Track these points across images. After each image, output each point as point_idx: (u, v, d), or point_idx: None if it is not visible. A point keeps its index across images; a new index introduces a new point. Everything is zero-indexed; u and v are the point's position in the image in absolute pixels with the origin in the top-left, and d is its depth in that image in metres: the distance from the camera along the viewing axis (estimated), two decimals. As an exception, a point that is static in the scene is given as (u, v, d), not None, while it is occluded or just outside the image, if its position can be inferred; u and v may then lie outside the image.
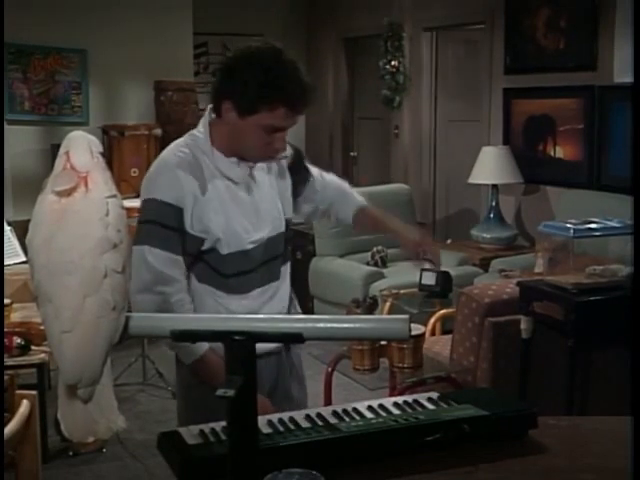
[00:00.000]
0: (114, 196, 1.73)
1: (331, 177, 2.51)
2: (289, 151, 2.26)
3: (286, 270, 2.30)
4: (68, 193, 1.69)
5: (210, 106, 2.14)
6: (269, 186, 2.21)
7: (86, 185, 1.69)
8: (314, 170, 2.44)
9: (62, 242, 1.64)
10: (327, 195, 2.45)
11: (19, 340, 3.75)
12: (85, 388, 1.58)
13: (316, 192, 2.43)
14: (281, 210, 2.23)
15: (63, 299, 1.60)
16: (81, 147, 1.81)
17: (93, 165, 1.77)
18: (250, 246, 2.15)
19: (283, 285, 2.27)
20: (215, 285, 2.16)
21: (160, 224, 2.05)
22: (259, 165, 2.18)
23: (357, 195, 2.53)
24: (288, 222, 2.27)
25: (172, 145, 2.16)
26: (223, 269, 2.14)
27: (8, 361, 3.55)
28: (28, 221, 1.81)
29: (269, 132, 2.04)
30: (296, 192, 2.35)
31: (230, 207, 2.12)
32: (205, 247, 2.11)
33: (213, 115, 2.12)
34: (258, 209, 2.17)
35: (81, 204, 1.68)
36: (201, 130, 2.15)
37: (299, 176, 2.35)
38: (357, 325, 1.65)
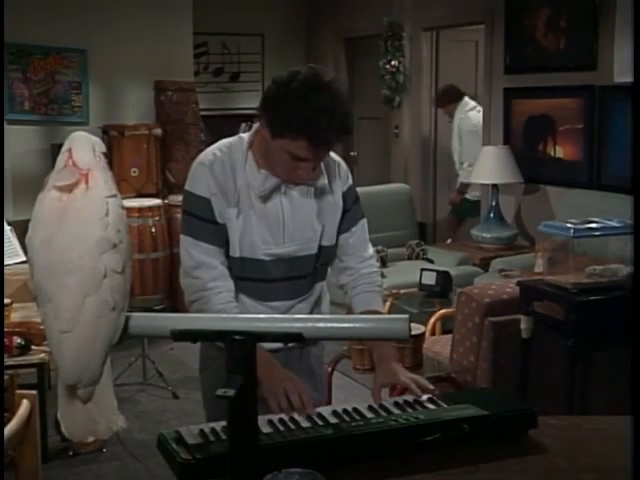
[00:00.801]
0: (114, 196, 1.73)
1: (362, 251, 2.33)
2: (324, 180, 2.20)
3: (316, 289, 2.29)
4: (69, 189, 1.69)
5: None
6: (305, 207, 2.19)
7: (87, 182, 1.70)
8: (357, 227, 2.31)
9: (62, 242, 1.64)
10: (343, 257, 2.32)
11: (19, 340, 3.75)
12: (85, 388, 1.58)
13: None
14: (317, 233, 2.21)
15: (63, 299, 1.60)
16: (84, 145, 1.82)
17: (95, 163, 1.78)
18: (266, 258, 2.16)
19: (306, 302, 2.26)
20: (235, 283, 2.19)
21: (193, 215, 2.15)
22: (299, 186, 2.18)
23: (377, 290, 2.33)
24: (324, 247, 2.23)
25: (219, 142, 2.22)
26: (234, 270, 2.18)
27: (8, 361, 3.55)
28: (28, 221, 1.81)
29: (294, 159, 2.06)
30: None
31: (251, 215, 2.14)
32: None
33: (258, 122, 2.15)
34: (284, 225, 2.17)
35: (81, 203, 1.68)
36: (248, 133, 2.19)
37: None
38: (357, 325, 1.65)
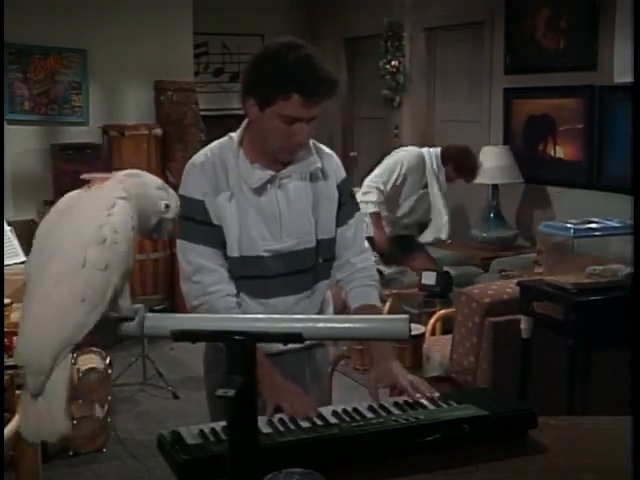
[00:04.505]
0: (125, 198, 1.72)
1: (360, 245, 2.33)
2: (318, 164, 2.20)
3: (318, 288, 2.26)
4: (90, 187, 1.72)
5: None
6: (301, 200, 2.19)
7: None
8: (354, 220, 2.31)
9: (58, 232, 1.66)
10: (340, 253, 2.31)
11: (19, 340, 3.74)
12: (33, 376, 1.58)
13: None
14: (313, 226, 2.20)
15: (39, 282, 1.62)
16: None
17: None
18: (265, 254, 2.15)
19: (309, 300, 2.24)
20: (236, 284, 2.18)
21: (189, 218, 2.14)
22: (295, 176, 2.18)
23: (373, 283, 2.33)
24: (322, 240, 2.22)
25: (211, 144, 2.23)
26: (235, 270, 2.17)
27: (8, 361, 3.54)
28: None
29: (288, 123, 2.05)
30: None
31: (248, 211, 2.14)
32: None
33: (246, 118, 2.17)
34: (281, 220, 2.16)
35: (89, 199, 1.70)
36: (236, 132, 2.20)
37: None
38: (357, 325, 1.65)
